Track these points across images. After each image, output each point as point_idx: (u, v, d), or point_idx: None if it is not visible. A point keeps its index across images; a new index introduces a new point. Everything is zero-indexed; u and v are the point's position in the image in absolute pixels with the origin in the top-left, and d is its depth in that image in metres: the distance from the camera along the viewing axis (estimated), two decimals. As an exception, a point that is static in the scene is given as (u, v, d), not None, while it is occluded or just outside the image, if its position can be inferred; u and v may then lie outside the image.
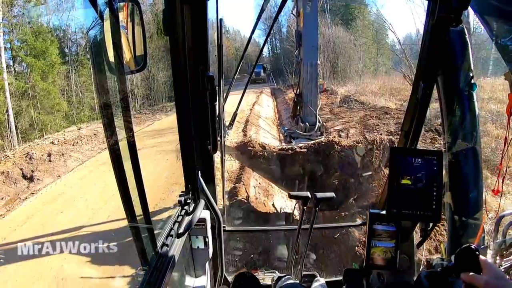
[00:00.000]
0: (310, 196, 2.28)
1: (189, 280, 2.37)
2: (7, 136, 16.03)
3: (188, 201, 2.22)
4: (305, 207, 2.38)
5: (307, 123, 10.59)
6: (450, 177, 2.17)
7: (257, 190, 10.64)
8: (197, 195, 2.29)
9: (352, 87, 25.31)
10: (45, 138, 16.58)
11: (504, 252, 2.76)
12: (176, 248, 1.92)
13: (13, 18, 17.52)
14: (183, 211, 2.15)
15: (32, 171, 13.13)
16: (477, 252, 1.34)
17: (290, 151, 8.83)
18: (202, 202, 2.23)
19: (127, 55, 1.64)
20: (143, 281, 1.62)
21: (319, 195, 2.29)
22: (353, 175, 8.19)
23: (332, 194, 2.35)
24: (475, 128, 2.15)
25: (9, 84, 16.67)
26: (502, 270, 2.16)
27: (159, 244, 1.83)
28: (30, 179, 12.84)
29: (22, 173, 13.07)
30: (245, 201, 9.67)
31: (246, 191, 10.42)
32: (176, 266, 1.90)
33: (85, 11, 1.46)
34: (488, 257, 2.30)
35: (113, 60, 1.40)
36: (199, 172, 2.23)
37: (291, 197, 2.41)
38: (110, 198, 9.42)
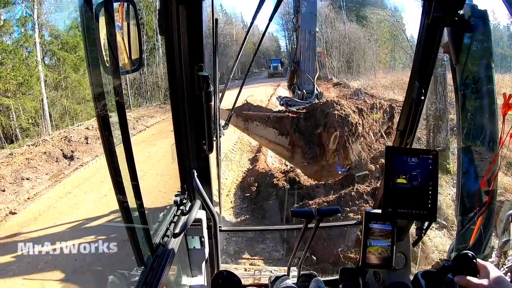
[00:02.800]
0: (314, 213, 2.14)
1: (185, 281, 2.29)
2: (42, 123, 16.73)
3: (184, 201, 2.12)
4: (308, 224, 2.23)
5: (304, 91, 9.91)
6: (463, 176, 2.01)
7: (273, 158, 11.59)
8: (193, 195, 2.20)
9: (365, 81, 25.23)
10: (79, 124, 17.41)
11: (509, 251, 2.61)
12: (172, 248, 1.83)
13: (45, 15, 18.39)
14: (179, 211, 2.06)
15: (72, 151, 14.15)
16: (474, 260, 1.26)
17: (288, 113, 8.33)
18: (198, 202, 2.14)
19: (122, 55, 1.54)
20: (139, 282, 1.54)
21: (323, 209, 2.14)
22: (353, 135, 7.71)
23: (337, 208, 2.21)
24: (493, 126, 1.97)
25: (44, 75, 17.56)
26: (506, 269, 2.03)
27: (155, 244, 1.74)
28: (71, 158, 13.89)
29: (63, 153, 14.05)
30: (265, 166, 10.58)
31: (265, 158, 11.23)
32: (172, 267, 1.81)
33: (80, 10, 1.39)
34: (493, 257, 2.17)
35: (108, 60, 1.31)
36: (195, 172, 2.14)
37: (293, 215, 2.23)
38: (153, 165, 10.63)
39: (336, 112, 7.61)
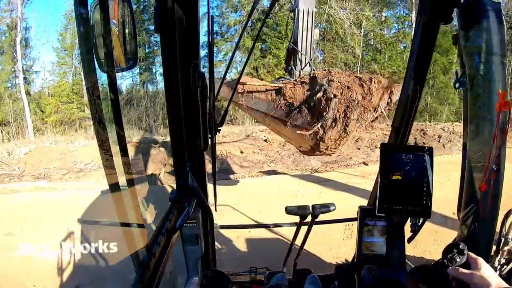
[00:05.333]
0: (309, 210, 2.12)
1: (181, 278, 2.24)
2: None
3: (179, 198, 2.08)
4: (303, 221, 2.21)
5: (301, 72, 8.87)
6: (466, 172, 1.98)
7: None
8: (188, 192, 2.14)
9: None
10: (437, 123, 19.05)
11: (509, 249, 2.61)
12: (167, 246, 1.78)
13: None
14: (174, 209, 2.01)
15: (424, 143, 15.77)
16: (465, 250, 1.27)
17: (286, 83, 7.85)
18: (193, 200, 2.08)
19: (117, 53, 1.50)
20: (135, 280, 1.48)
21: (318, 206, 2.14)
22: (353, 101, 7.09)
23: (332, 205, 2.17)
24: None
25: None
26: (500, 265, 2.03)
27: (150, 242, 1.68)
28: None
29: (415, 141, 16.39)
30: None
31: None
32: (167, 265, 1.75)
33: (74, 7, 1.36)
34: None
35: (103, 58, 1.26)
36: (191, 169, 2.10)
37: (288, 212, 2.18)
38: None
39: (334, 78, 7.13)
